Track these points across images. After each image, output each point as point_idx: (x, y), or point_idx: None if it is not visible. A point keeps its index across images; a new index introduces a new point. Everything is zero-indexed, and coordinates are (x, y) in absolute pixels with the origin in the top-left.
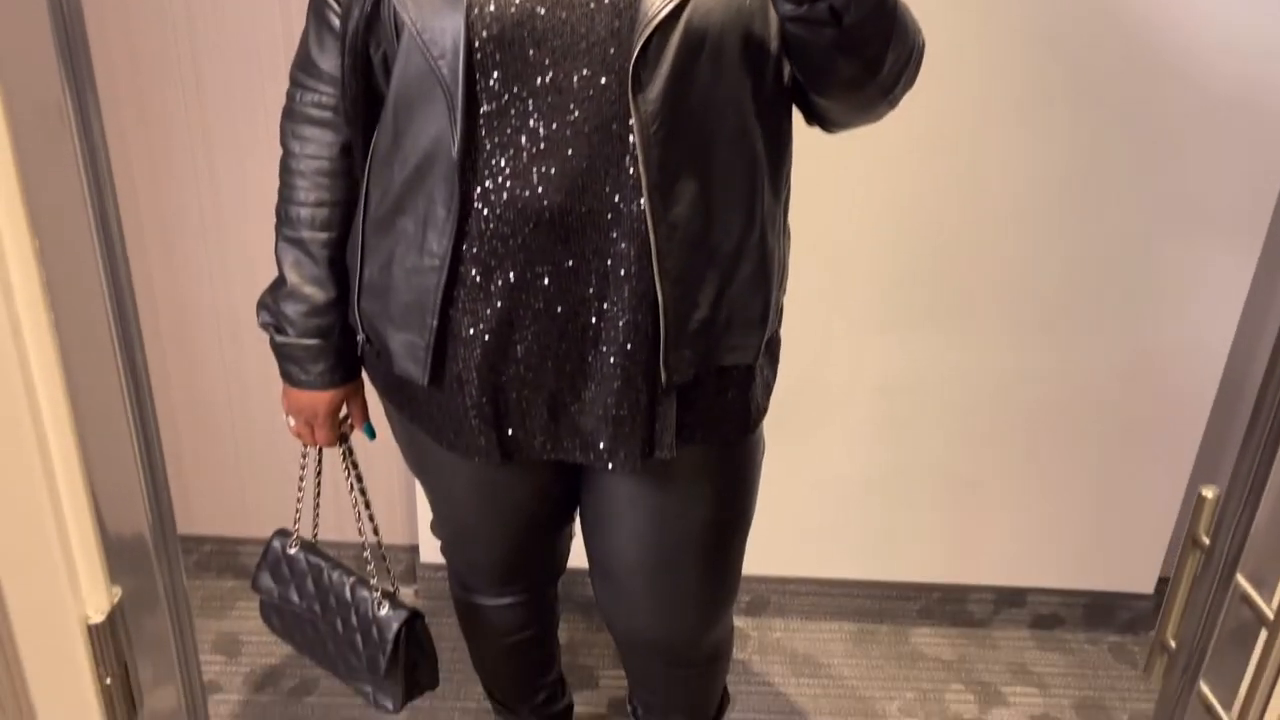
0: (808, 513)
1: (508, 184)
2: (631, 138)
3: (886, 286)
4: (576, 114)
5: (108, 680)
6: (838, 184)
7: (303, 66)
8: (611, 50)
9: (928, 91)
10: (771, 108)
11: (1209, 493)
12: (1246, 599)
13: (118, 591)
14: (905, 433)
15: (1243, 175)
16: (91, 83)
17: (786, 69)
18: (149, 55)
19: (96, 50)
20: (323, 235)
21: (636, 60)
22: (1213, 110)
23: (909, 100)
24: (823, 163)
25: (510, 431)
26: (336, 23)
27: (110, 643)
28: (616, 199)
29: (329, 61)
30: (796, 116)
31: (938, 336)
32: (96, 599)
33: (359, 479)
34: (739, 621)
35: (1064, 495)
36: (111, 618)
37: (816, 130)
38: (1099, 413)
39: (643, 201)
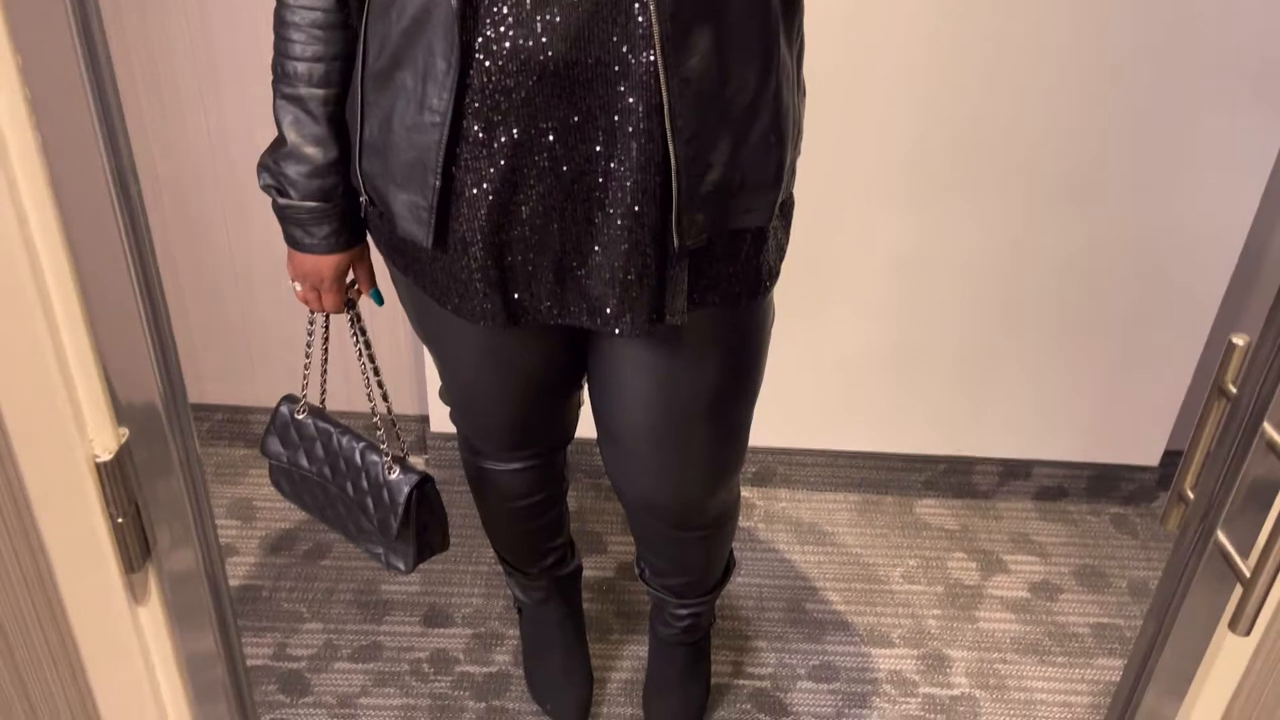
0: (816, 385)
1: (510, 33)
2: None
3: (901, 156)
4: None
5: (119, 519)
6: (853, 46)
7: None
8: None
9: None
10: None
11: (1239, 340)
12: (1273, 447)
13: (125, 432)
14: (916, 306)
15: (1272, 33)
16: None
17: None
18: None
19: None
20: (321, 92)
21: None
22: None
23: None
24: (840, 23)
25: (516, 295)
26: None
27: (120, 481)
28: (625, 50)
29: None
30: None
31: (951, 207)
32: (104, 438)
33: (367, 345)
34: (745, 491)
35: (1075, 369)
36: (120, 457)
37: None
38: (1113, 286)
39: (654, 54)
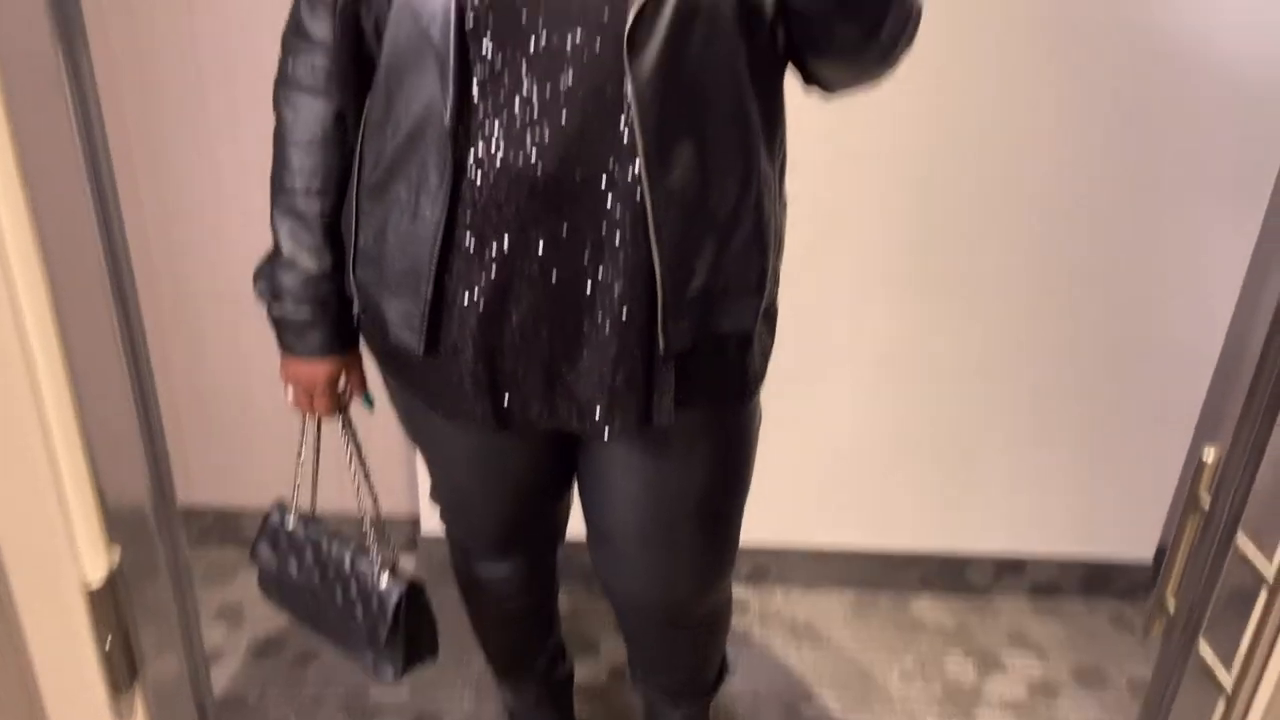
0: (807, 480)
1: (501, 149)
2: (626, 102)
3: (887, 252)
4: (570, 78)
5: (108, 643)
6: (840, 148)
7: (295, 31)
8: (605, 13)
9: (931, 56)
10: (766, 73)
11: (1210, 454)
12: (1246, 560)
13: (117, 555)
14: (904, 400)
15: (1244, 143)
16: (84, 45)
17: (781, 34)
18: (151, 33)
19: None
20: (318, 203)
21: (632, 25)
22: (1215, 81)
23: (911, 66)
24: (826, 127)
25: (506, 399)
26: None
27: (110, 606)
28: (611, 163)
29: (320, 26)
30: (791, 82)
31: (937, 303)
32: (95, 562)
33: (358, 449)
34: (739, 591)
35: (1064, 463)
36: (111, 581)
37: (819, 93)
38: (1100, 381)
39: (638, 167)
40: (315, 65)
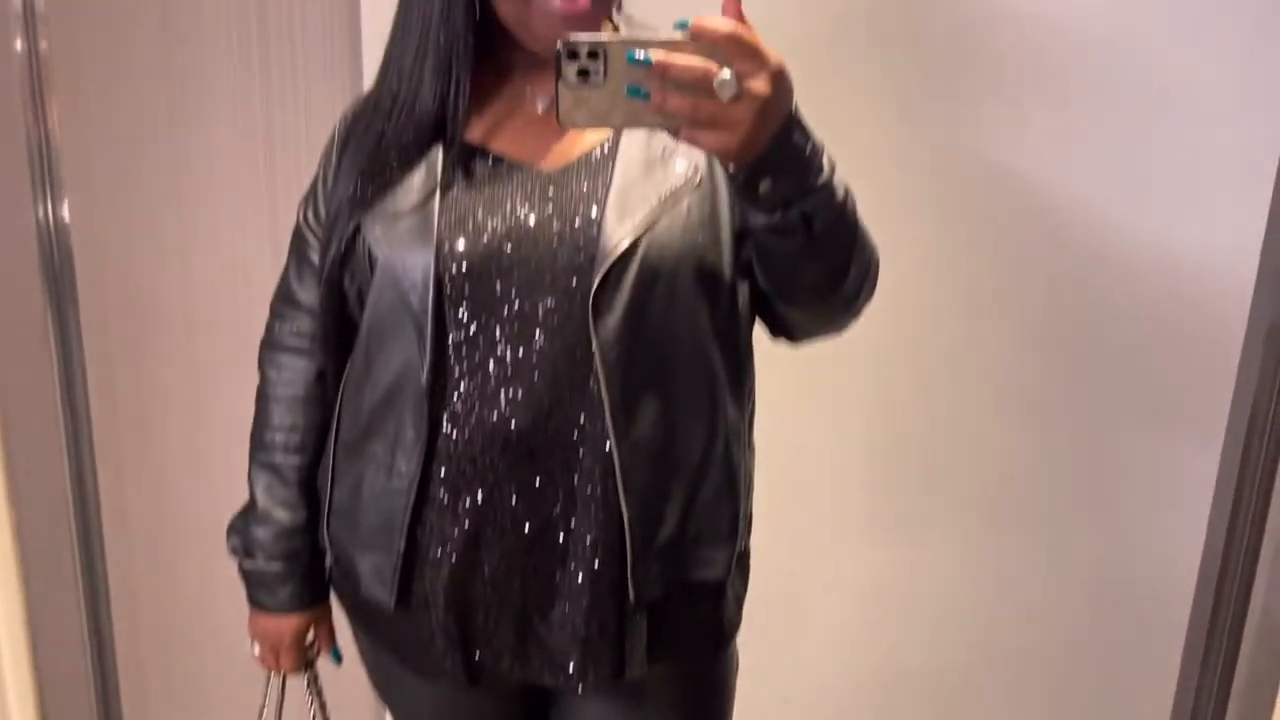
0: None
1: (476, 407)
2: (594, 362)
3: (862, 492)
4: (541, 341)
5: None
6: (810, 393)
7: (283, 298)
8: (574, 281)
9: (893, 298)
10: (730, 328)
11: None
12: None
13: None
14: (886, 644)
15: (1201, 374)
16: (74, 302)
17: (742, 293)
18: (141, 298)
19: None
20: (295, 458)
21: (596, 291)
22: (1168, 318)
23: (877, 310)
24: (796, 373)
25: (477, 653)
26: (315, 258)
27: None
28: (581, 418)
29: (307, 293)
30: (759, 333)
31: (916, 541)
32: None
33: (323, 707)
34: None
35: (1054, 697)
36: None
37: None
38: (1083, 615)
39: (606, 421)
40: (300, 329)
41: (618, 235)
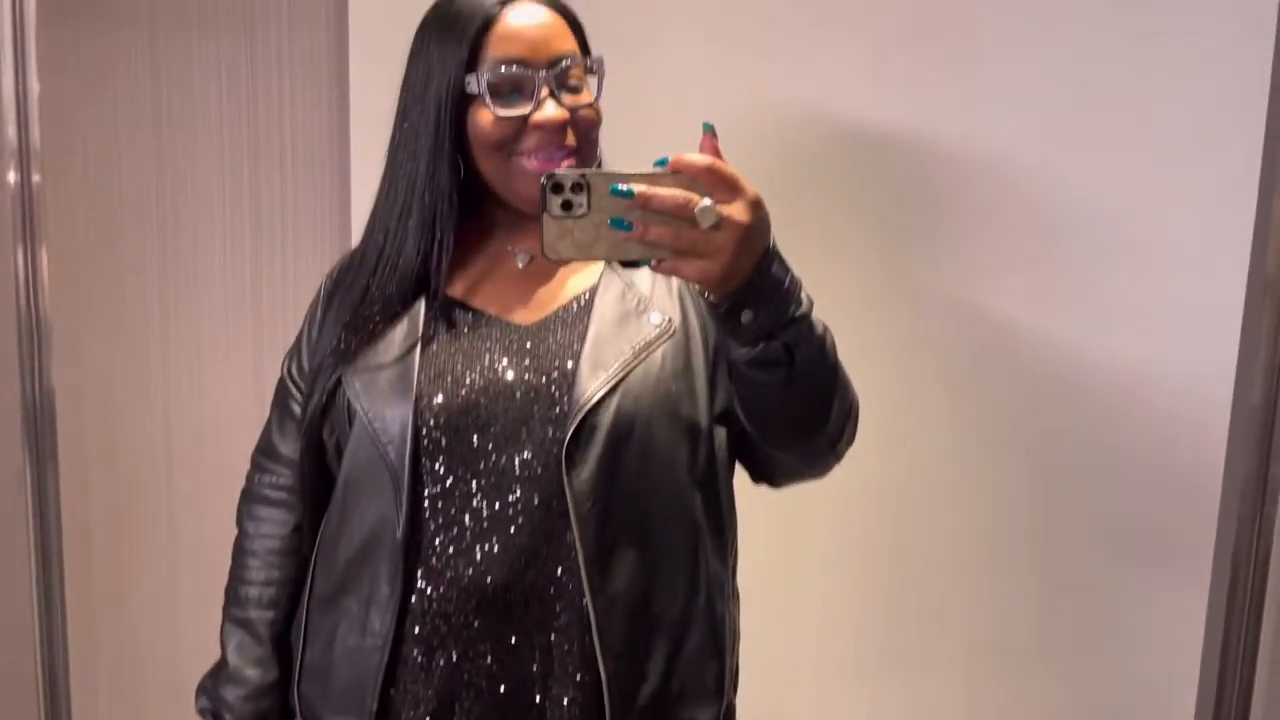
0: None
1: (451, 562)
2: (569, 514)
3: (848, 637)
4: (518, 493)
5: None
6: (797, 540)
7: (264, 450)
8: (550, 434)
9: (872, 439)
10: (707, 478)
11: None
12: None
13: None
14: None
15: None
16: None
17: (720, 440)
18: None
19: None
20: (269, 614)
21: (569, 443)
22: (1148, 453)
23: (860, 451)
24: (781, 515)
25: None
26: (297, 410)
27: None
28: (559, 572)
29: (288, 446)
30: (740, 478)
31: (905, 685)
32: None
33: None
34: None
35: None
36: None
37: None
38: None
39: (581, 575)
40: (279, 482)
41: (591, 387)
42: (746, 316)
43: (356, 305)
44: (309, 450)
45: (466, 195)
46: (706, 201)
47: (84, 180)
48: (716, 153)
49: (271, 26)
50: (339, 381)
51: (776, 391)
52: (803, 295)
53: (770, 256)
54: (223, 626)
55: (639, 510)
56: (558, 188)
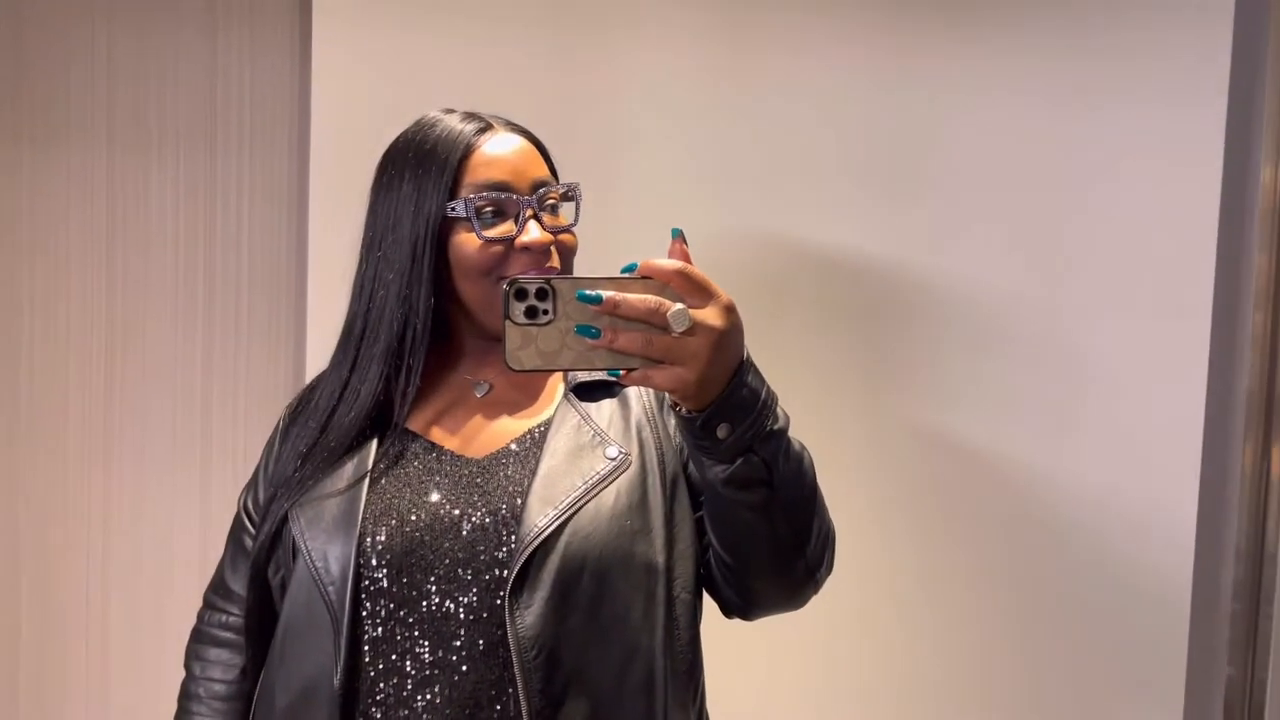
0: None
1: (391, 712)
2: (514, 664)
3: None
4: (461, 640)
5: None
6: (771, 668)
7: (215, 588)
8: (495, 575)
9: (848, 564)
10: (667, 621)
11: None
12: None
13: None
14: None
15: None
16: None
17: (682, 581)
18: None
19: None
20: None
21: (513, 584)
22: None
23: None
24: (755, 650)
25: None
26: (250, 544)
27: None
28: None
29: (239, 583)
30: (709, 616)
31: None
32: None
33: None
34: None
35: None
36: None
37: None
38: None
39: None
40: (229, 620)
41: (538, 524)
42: (723, 430)
43: (313, 435)
44: (254, 586)
45: (435, 325)
46: (679, 306)
47: (30, 294)
48: (686, 258)
49: (232, 151)
50: (286, 517)
51: (754, 513)
52: (779, 409)
53: (746, 366)
54: None
55: (590, 660)
56: (521, 293)
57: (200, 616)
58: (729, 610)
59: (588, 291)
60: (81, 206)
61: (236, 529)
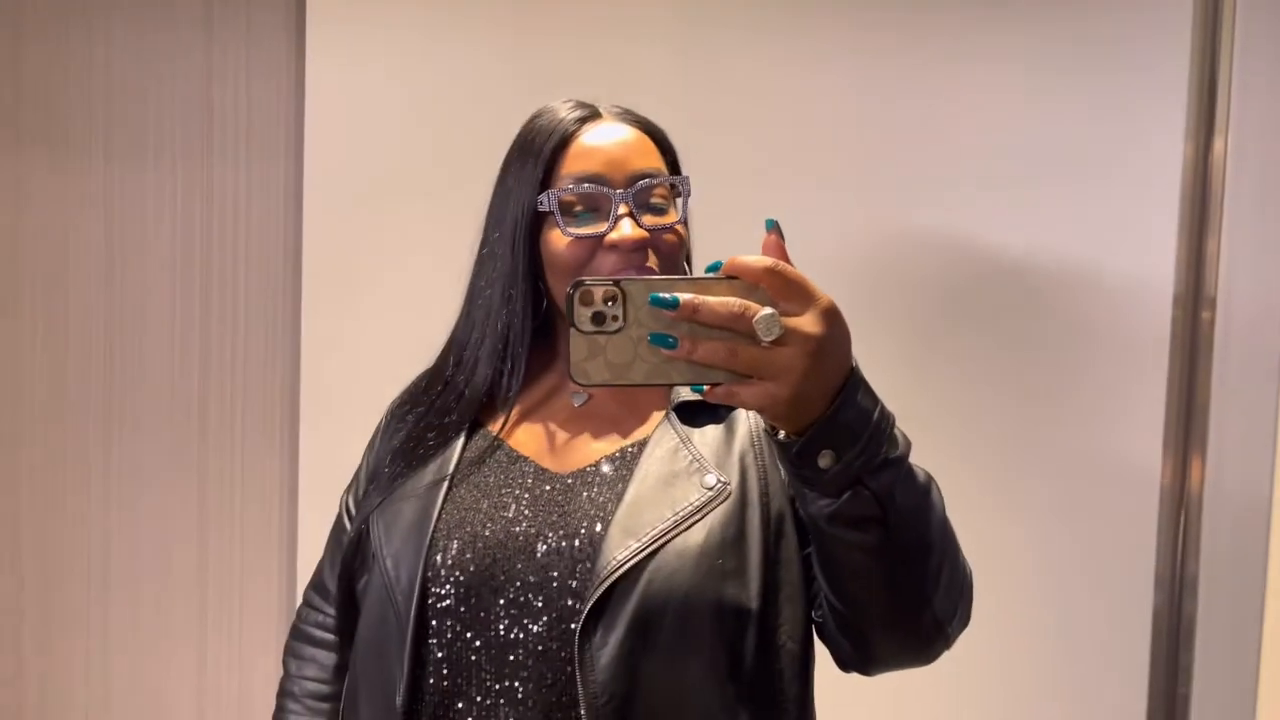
0: None
1: None
2: (580, 707)
3: None
4: (529, 671)
5: None
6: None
7: (315, 587)
8: (569, 605)
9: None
10: (759, 674)
11: None
12: None
13: None
14: None
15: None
16: None
17: (787, 629)
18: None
19: None
20: None
21: (586, 620)
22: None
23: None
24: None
25: None
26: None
27: None
28: None
29: (335, 582)
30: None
31: None
32: None
33: None
34: None
35: None
36: None
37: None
38: None
39: None
40: (326, 620)
41: (617, 557)
42: (826, 459)
43: (410, 432)
44: (343, 588)
45: (546, 326)
46: (769, 310)
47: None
48: (783, 254)
49: (229, 158)
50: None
51: (867, 556)
52: (897, 433)
53: (854, 382)
54: None
55: (668, 715)
56: (587, 297)
57: (299, 614)
58: (844, 664)
59: (663, 295)
60: (80, 214)
61: (336, 529)
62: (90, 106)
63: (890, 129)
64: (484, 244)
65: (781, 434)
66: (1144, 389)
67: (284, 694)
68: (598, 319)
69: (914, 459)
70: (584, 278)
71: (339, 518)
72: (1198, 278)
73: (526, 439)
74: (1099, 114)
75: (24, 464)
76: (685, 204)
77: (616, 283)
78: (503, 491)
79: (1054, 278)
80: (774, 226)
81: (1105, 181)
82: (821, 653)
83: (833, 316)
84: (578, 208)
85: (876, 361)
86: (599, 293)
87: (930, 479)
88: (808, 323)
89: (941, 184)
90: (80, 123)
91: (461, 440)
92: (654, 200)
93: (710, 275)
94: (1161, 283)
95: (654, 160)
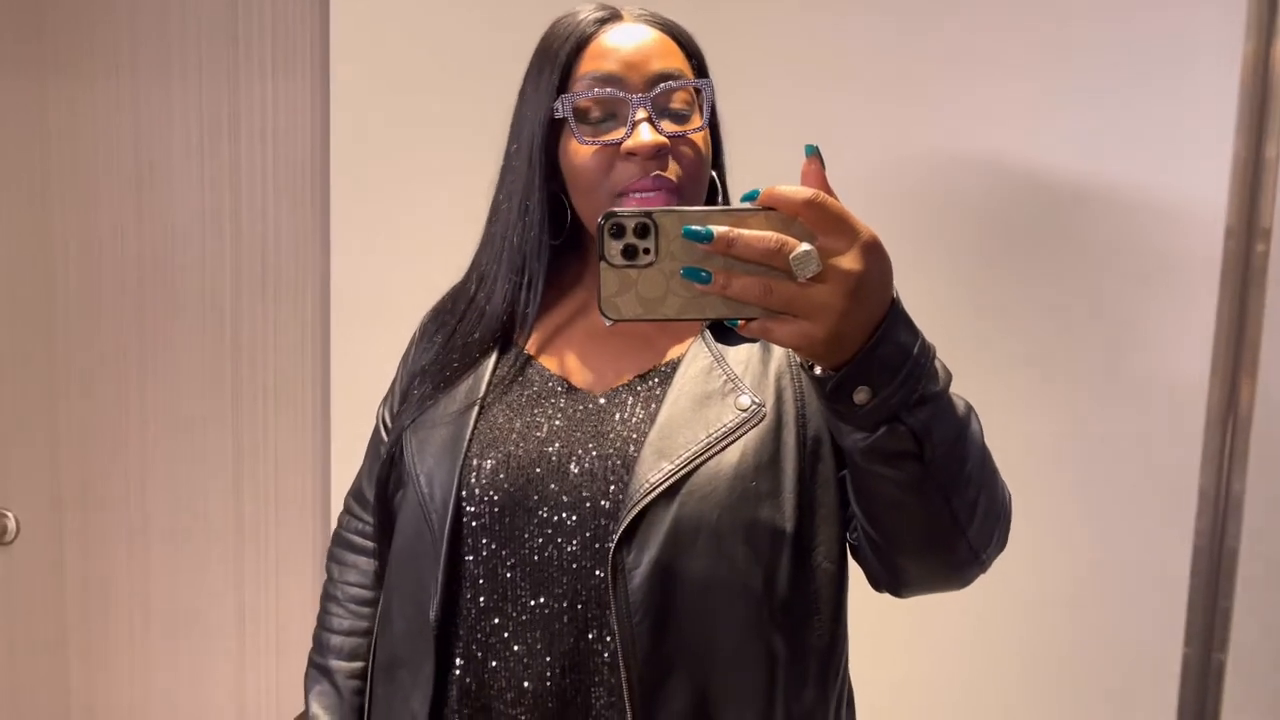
0: None
1: (491, 654)
2: (614, 628)
3: None
4: (564, 588)
5: None
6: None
7: (354, 494)
8: (603, 525)
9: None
10: (793, 597)
11: None
12: None
13: None
14: None
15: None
16: None
17: (822, 550)
18: None
19: None
20: (347, 665)
21: (620, 541)
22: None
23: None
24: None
25: None
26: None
27: None
28: (598, 699)
29: (372, 490)
30: (856, 590)
31: None
32: None
33: None
34: None
35: None
36: None
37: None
38: None
39: (625, 708)
40: (366, 528)
41: (650, 478)
42: (862, 395)
43: (439, 352)
44: (379, 502)
45: (565, 243)
46: (806, 246)
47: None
48: (823, 184)
49: (254, 79)
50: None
51: (902, 490)
52: (937, 365)
53: (893, 316)
54: (307, 670)
55: (700, 633)
56: (618, 230)
57: (340, 521)
58: (877, 584)
59: (696, 227)
60: (108, 132)
61: (374, 439)
62: (115, 27)
63: (933, 45)
64: (506, 155)
65: (818, 369)
66: (1194, 314)
67: (327, 597)
68: (629, 252)
69: (957, 385)
70: (615, 209)
71: (375, 429)
72: (1252, 206)
73: (558, 357)
74: (1151, 14)
75: (60, 366)
76: (709, 110)
77: (649, 214)
78: (535, 411)
79: (1103, 198)
80: (814, 152)
81: (1158, 94)
82: (854, 571)
83: (874, 251)
84: (595, 113)
85: (918, 287)
86: (630, 225)
87: (970, 410)
88: (848, 259)
89: (987, 102)
90: (106, 44)
91: (493, 360)
92: (675, 105)
93: (746, 206)
94: (1214, 212)
95: (676, 62)
